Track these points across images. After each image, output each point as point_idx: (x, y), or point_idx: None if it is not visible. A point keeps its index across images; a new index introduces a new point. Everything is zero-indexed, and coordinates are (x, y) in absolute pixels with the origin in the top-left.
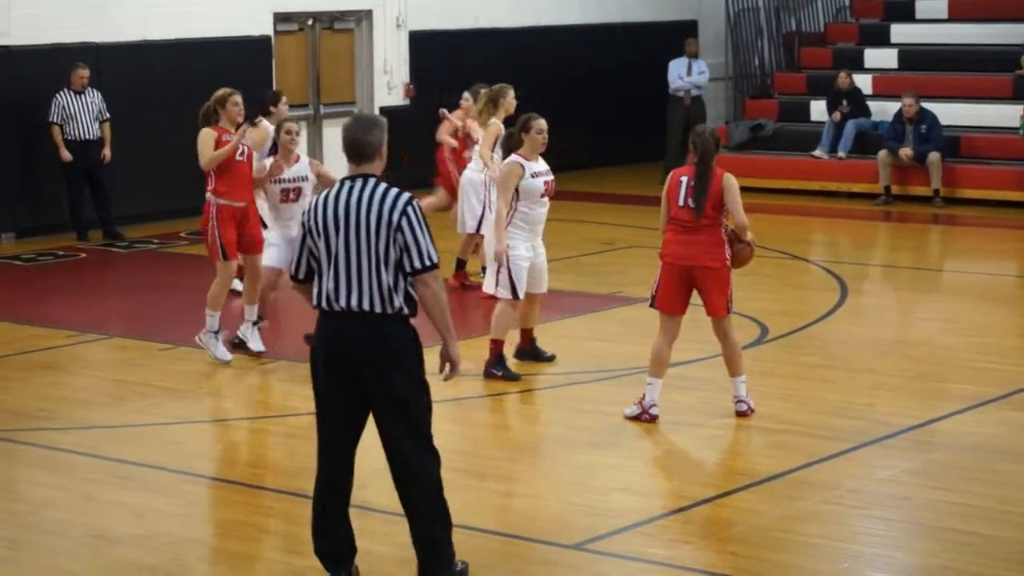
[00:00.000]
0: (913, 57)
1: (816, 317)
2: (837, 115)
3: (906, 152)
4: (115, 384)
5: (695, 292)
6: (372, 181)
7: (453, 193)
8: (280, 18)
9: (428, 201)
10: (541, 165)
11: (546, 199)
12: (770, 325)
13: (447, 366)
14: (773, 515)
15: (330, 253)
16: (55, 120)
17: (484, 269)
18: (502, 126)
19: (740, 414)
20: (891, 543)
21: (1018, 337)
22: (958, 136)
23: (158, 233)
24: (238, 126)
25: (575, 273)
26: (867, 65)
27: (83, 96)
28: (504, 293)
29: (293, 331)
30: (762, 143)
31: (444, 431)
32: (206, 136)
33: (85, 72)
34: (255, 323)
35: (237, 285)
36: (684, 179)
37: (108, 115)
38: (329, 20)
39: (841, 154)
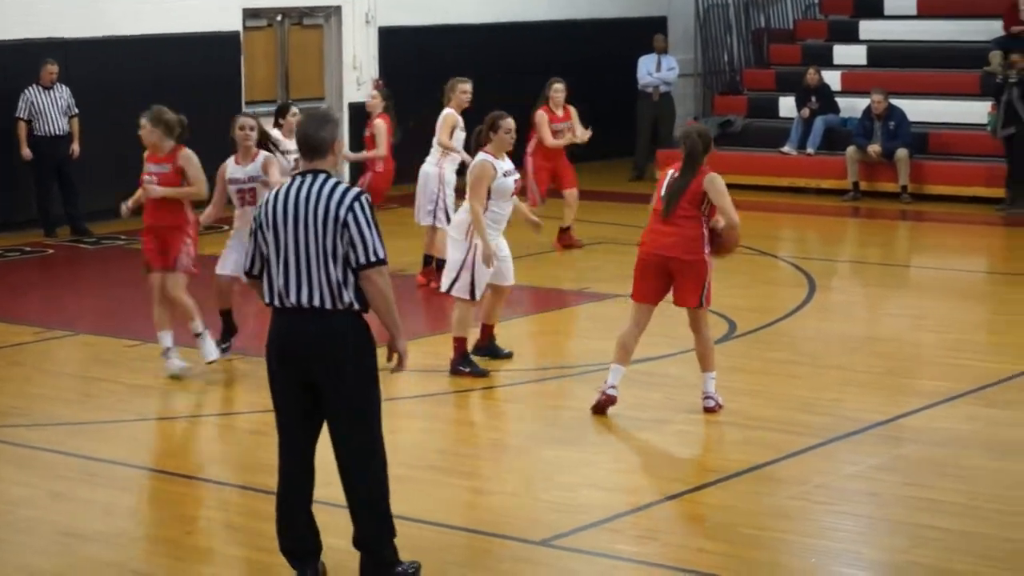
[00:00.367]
0: (882, 54)
1: (784, 313)
2: (806, 111)
3: (874, 149)
4: (83, 381)
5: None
6: (322, 177)
7: None
8: (249, 14)
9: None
10: (508, 163)
11: (515, 197)
12: (738, 321)
13: (395, 358)
14: (741, 511)
15: (279, 249)
16: (22, 116)
17: (439, 262)
18: (458, 116)
19: (708, 410)
20: (859, 538)
21: (986, 333)
22: (927, 132)
23: (126, 229)
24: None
25: (543, 269)
26: (836, 62)
27: (52, 92)
28: (462, 294)
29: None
30: (731, 139)
31: (411, 428)
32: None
33: (54, 68)
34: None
35: None
36: (671, 172)
37: (77, 110)
38: (298, 16)
39: (810, 150)
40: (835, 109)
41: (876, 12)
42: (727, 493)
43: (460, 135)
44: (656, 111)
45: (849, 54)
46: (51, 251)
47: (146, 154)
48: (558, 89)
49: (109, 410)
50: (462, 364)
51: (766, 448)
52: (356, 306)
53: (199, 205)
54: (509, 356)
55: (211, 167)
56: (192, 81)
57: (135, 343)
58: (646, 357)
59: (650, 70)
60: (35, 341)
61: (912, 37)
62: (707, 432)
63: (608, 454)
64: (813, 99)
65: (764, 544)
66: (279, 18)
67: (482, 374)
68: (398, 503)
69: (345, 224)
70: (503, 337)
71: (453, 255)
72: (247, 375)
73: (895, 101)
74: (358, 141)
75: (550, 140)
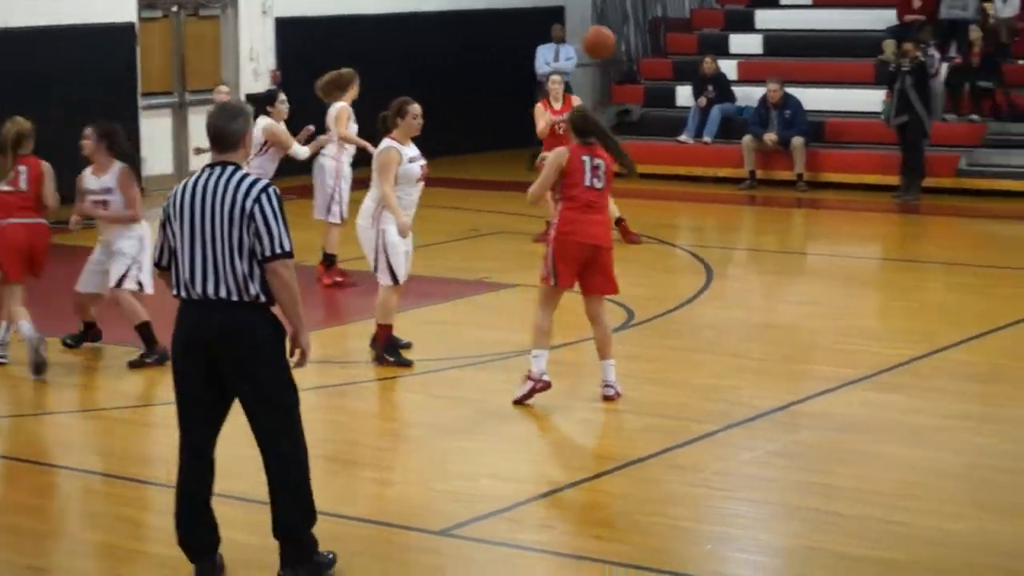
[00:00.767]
0: (777, 43)
1: (682, 301)
2: (703, 100)
3: (770, 137)
4: None
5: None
6: (231, 169)
7: None
8: (144, 4)
9: None
10: (414, 149)
11: (421, 183)
12: (637, 309)
13: (297, 353)
14: (639, 498)
15: (185, 240)
16: None
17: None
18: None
19: (607, 398)
20: (756, 524)
21: (880, 319)
22: (822, 121)
23: None
24: None
25: (442, 259)
26: (732, 51)
27: None
28: (385, 279)
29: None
30: (628, 128)
31: (313, 419)
32: None
33: None
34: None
35: None
36: (587, 159)
37: None
38: (194, 6)
39: (707, 139)
40: (731, 98)
41: (772, 1)
42: (625, 481)
43: (353, 127)
44: None
45: (745, 43)
46: None
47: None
48: (555, 80)
49: (4, 404)
50: (388, 353)
51: (664, 435)
52: (263, 299)
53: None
54: (407, 346)
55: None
56: (86, 74)
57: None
58: None
59: (548, 60)
60: None
61: (807, 26)
62: (606, 420)
63: (507, 443)
64: (710, 88)
65: (662, 531)
66: (175, 8)
67: (406, 364)
68: None
69: (252, 216)
70: (400, 328)
71: (367, 244)
72: (144, 369)
73: (791, 90)
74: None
75: (538, 130)
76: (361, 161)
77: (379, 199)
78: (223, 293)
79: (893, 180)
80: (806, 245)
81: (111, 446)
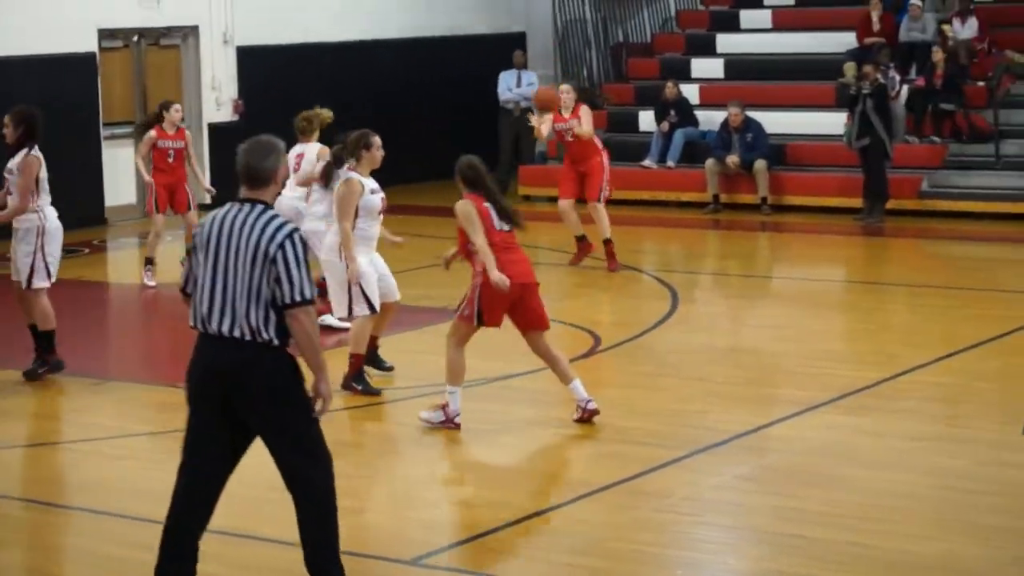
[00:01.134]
0: (739, 67)
1: (648, 326)
2: (665, 125)
3: (733, 159)
4: None
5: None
6: (259, 208)
7: None
8: (105, 34)
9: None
10: (374, 182)
11: (381, 216)
12: (602, 335)
13: (319, 402)
14: (607, 525)
15: (207, 275)
16: None
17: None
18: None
19: (591, 413)
20: (724, 549)
21: (845, 342)
22: (784, 144)
23: None
24: None
25: (409, 287)
26: (694, 75)
27: None
28: (362, 310)
29: (127, 352)
30: None
31: None
32: None
33: None
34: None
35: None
36: (487, 205)
37: None
38: (155, 36)
39: (670, 164)
40: (694, 122)
41: (732, 26)
42: (594, 507)
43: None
44: (518, 126)
45: (707, 68)
46: None
47: None
48: (564, 90)
49: None
50: (355, 381)
51: (632, 461)
52: (276, 342)
53: None
54: (390, 369)
55: (71, 191)
56: (48, 104)
57: None
58: (512, 373)
59: (510, 85)
60: None
61: (768, 50)
62: (573, 447)
63: (476, 471)
64: (672, 113)
65: (630, 557)
66: (136, 38)
67: (374, 393)
68: (266, 525)
69: (273, 261)
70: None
71: (333, 279)
72: (114, 400)
73: (753, 114)
74: (217, 162)
75: (543, 135)
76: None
77: (351, 233)
78: (236, 333)
79: (856, 203)
80: (771, 269)
81: (82, 479)
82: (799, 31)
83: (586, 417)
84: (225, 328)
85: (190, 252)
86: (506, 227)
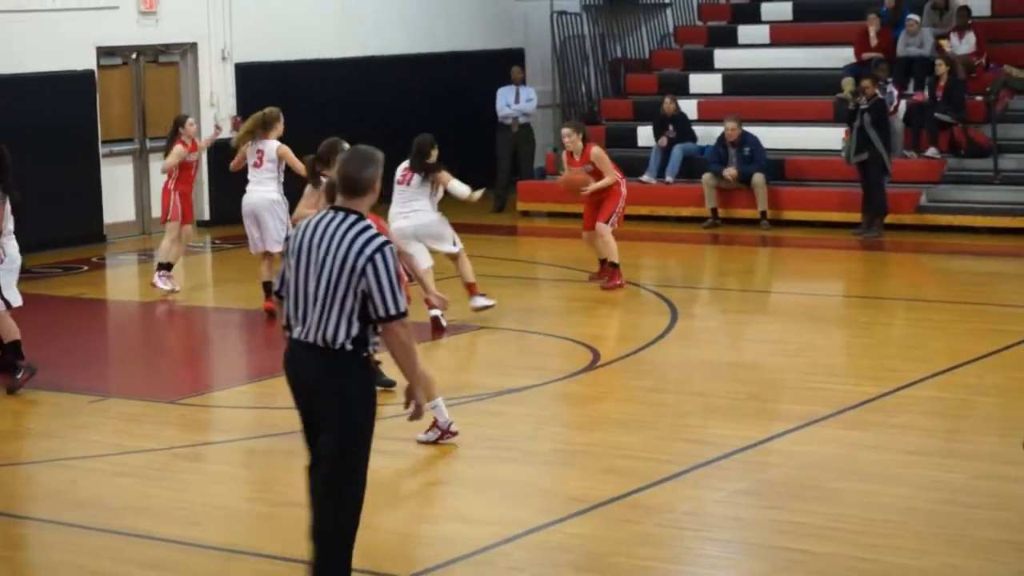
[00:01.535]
0: (737, 82)
1: (647, 341)
2: (664, 140)
3: (730, 172)
4: None
5: None
6: (353, 218)
7: None
8: (103, 52)
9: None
10: None
11: None
12: (602, 350)
13: (412, 405)
14: (608, 540)
15: (296, 280)
16: None
17: None
18: None
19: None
20: (725, 563)
21: (845, 356)
22: (783, 159)
23: None
24: None
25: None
26: (692, 90)
27: None
28: None
29: (126, 369)
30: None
31: (275, 465)
32: None
33: None
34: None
35: None
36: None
37: None
38: (153, 53)
39: (669, 179)
40: (692, 137)
41: (730, 41)
42: (595, 522)
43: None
44: (516, 142)
45: (705, 83)
46: None
47: None
48: (565, 134)
49: None
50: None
51: (632, 476)
52: (352, 350)
53: None
54: (392, 384)
55: (70, 209)
56: (47, 121)
57: None
58: (510, 388)
59: (509, 101)
60: None
61: (766, 65)
62: (573, 462)
63: (475, 486)
64: (671, 128)
65: (632, 573)
66: (134, 56)
67: (390, 384)
68: (265, 541)
69: (363, 273)
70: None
71: None
72: (110, 417)
73: (752, 128)
74: (216, 178)
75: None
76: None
77: None
78: (315, 339)
79: (855, 217)
80: (770, 283)
81: (80, 496)
82: (797, 46)
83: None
84: (307, 333)
85: (283, 255)
86: None
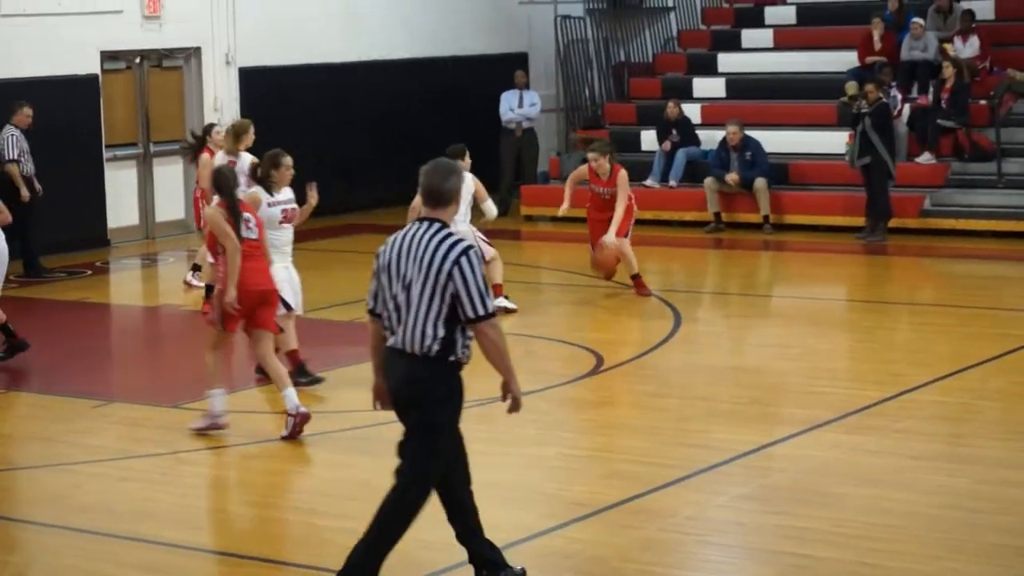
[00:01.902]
0: (741, 86)
1: (651, 346)
2: (667, 145)
3: (732, 177)
4: None
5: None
6: (436, 226)
7: None
8: (107, 56)
9: None
10: (284, 195)
11: (288, 225)
12: (605, 355)
13: (509, 399)
14: (611, 544)
15: (388, 291)
16: (14, 158)
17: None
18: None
19: (303, 417)
20: (728, 568)
21: (848, 360)
22: (786, 163)
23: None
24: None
25: None
26: (696, 94)
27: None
28: (280, 310)
29: (130, 374)
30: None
31: (280, 470)
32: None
33: (30, 111)
34: None
35: None
36: (223, 211)
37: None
38: (157, 58)
39: (672, 183)
40: (696, 142)
41: (734, 45)
42: (598, 527)
43: None
44: (519, 146)
45: (708, 87)
46: None
47: None
48: (592, 158)
49: None
50: (300, 375)
51: (635, 481)
52: (441, 354)
53: None
54: (320, 381)
55: (74, 213)
56: (50, 126)
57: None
58: None
59: (512, 106)
60: None
61: (770, 69)
62: (576, 466)
63: (477, 491)
64: (674, 132)
65: None
66: (138, 60)
67: (318, 380)
68: (267, 547)
69: (450, 277)
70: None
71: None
72: (114, 422)
73: (756, 132)
74: None
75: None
76: None
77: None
78: (401, 345)
79: (858, 221)
80: (773, 287)
81: (83, 500)
82: (800, 50)
83: (298, 423)
84: (401, 342)
85: (375, 273)
86: (252, 236)
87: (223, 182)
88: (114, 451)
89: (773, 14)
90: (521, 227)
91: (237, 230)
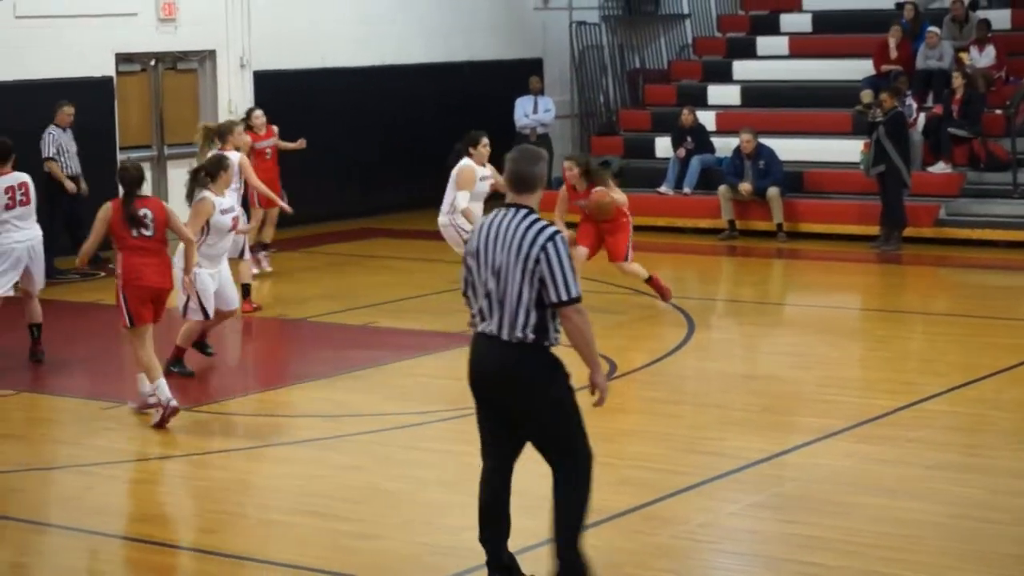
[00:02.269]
0: (756, 94)
1: (664, 353)
2: (682, 151)
3: (745, 187)
4: None
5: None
6: (523, 212)
7: None
8: (122, 58)
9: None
10: (228, 201)
11: (231, 234)
12: (618, 361)
13: (596, 393)
14: (623, 551)
15: (479, 278)
16: (52, 155)
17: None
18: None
19: (172, 411)
20: None
21: (861, 369)
22: (801, 171)
23: None
24: None
25: (425, 312)
26: (710, 102)
27: (68, 133)
28: (197, 316)
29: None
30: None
31: (294, 473)
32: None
33: (71, 109)
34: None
35: None
36: (126, 207)
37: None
38: (172, 60)
39: (686, 190)
40: (710, 149)
41: (749, 53)
42: (610, 533)
43: None
44: None
45: (723, 94)
46: None
47: None
48: (567, 166)
49: None
50: (173, 365)
51: (648, 488)
52: (537, 339)
53: None
54: (212, 354)
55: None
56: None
57: (7, 392)
58: None
59: (527, 111)
60: None
61: (785, 77)
62: None
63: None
64: (688, 139)
65: None
66: (153, 63)
67: (188, 374)
68: (278, 550)
69: (537, 262)
70: (381, 380)
71: (180, 285)
72: (125, 425)
73: (770, 140)
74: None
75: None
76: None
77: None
78: (502, 333)
79: (873, 230)
80: (787, 296)
81: (95, 503)
82: (816, 58)
83: (167, 415)
84: (492, 328)
85: (464, 258)
86: (146, 234)
87: (124, 177)
88: (126, 453)
89: (789, 22)
90: None
91: (129, 228)
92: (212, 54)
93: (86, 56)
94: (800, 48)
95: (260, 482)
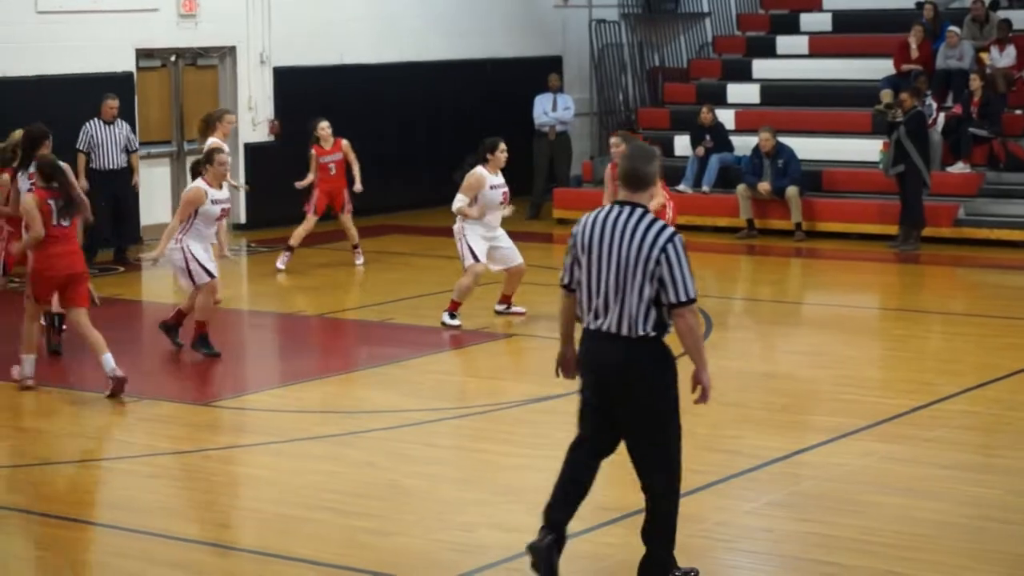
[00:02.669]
0: (775, 92)
1: (681, 351)
2: (700, 150)
3: (764, 186)
4: None
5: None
6: (639, 211)
7: None
8: (143, 54)
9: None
10: (222, 193)
11: (221, 221)
12: None
13: (698, 389)
14: (639, 549)
15: (592, 274)
16: (82, 148)
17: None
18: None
19: (119, 381)
20: (757, 575)
21: (879, 369)
22: (820, 170)
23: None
24: None
25: (442, 309)
26: (730, 100)
27: (112, 126)
28: (203, 278)
29: (160, 371)
30: None
31: (310, 469)
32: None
33: (115, 103)
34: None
35: None
36: (52, 202)
37: (137, 146)
38: (192, 56)
39: (705, 188)
40: (729, 147)
41: (769, 51)
42: (627, 531)
43: None
44: (552, 150)
45: (743, 93)
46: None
47: None
48: (614, 143)
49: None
50: (200, 346)
51: None
52: (653, 334)
53: None
54: (181, 346)
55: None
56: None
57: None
58: (543, 396)
59: (546, 109)
60: None
61: (805, 76)
62: (605, 470)
63: (506, 493)
64: (707, 138)
65: None
66: (173, 58)
67: (215, 355)
68: (295, 545)
69: (657, 262)
70: (399, 378)
71: (176, 263)
72: (141, 419)
73: (789, 139)
74: (253, 181)
75: None
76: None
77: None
78: (617, 329)
79: (892, 230)
80: (805, 295)
81: (113, 497)
82: (836, 57)
83: (116, 387)
84: (607, 324)
85: (569, 249)
86: (64, 223)
87: (47, 170)
88: (144, 448)
89: (808, 21)
90: (553, 230)
91: (50, 217)
92: (232, 50)
93: (107, 52)
94: (820, 47)
95: (277, 478)
